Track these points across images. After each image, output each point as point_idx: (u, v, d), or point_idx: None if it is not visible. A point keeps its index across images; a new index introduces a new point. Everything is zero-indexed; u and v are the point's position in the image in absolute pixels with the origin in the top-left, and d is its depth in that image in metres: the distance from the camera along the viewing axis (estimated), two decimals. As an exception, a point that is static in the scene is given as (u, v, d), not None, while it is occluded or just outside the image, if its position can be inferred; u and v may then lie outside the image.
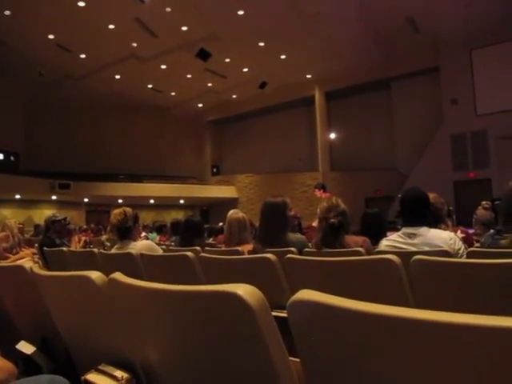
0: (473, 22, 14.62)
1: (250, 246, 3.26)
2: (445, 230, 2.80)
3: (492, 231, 2.51)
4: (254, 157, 22.67)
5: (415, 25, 14.97)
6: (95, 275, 1.10)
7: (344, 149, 20.01)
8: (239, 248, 3.16)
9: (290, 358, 0.74)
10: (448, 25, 14.85)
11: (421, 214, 2.58)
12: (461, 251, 2.40)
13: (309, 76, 19.56)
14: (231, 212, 3.74)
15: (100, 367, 1.11)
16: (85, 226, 13.84)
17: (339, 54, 16.60)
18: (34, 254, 4.29)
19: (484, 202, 4.95)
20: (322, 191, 9.50)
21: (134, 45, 15.78)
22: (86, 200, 19.26)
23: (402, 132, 18.29)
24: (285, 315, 0.72)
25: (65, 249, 4.14)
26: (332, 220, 2.66)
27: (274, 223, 2.95)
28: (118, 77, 18.05)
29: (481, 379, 0.54)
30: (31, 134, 18.99)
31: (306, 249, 2.72)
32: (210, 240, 6.38)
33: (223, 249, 3.53)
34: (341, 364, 0.69)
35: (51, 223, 5.19)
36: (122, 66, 17.08)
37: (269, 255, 2.16)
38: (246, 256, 2.79)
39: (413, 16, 14.36)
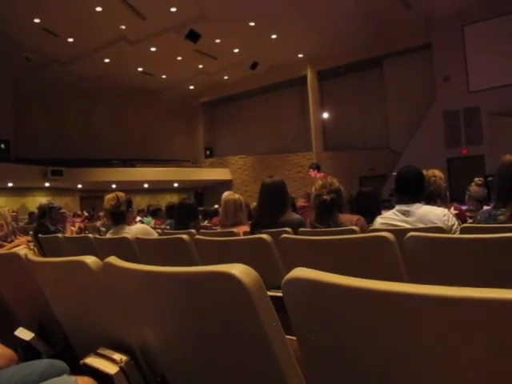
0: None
1: (245, 228, 3.27)
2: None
3: (488, 207, 2.53)
4: (247, 138, 22.57)
5: (407, 1, 14.81)
6: (90, 260, 1.10)
7: (337, 128, 19.95)
8: (234, 229, 3.16)
9: (287, 336, 0.74)
10: (439, 1, 14.70)
11: (415, 191, 2.60)
12: (454, 227, 2.42)
13: (300, 55, 19.38)
14: (227, 193, 3.74)
15: (99, 351, 1.12)
16: (78, 212, 13.77)
17: (331, 33, 16.40)
18: (29, 241, 4.27)
19: (477, 179, 4.96)
20: (316, 171, 9.52)
21: (123, 27, 15.52)
22: (79, 186, 19.16)
23: (395, 110, 18.24)
24: (280, 295, 0.73)
25: (60, 235, 4.13)
26: (325, 197, 2.67)
27: (276, 202, 2.96)
28: (107, 60, 17.77)
29: (478, 352, 0.54)
30: (21, 120, 18.77)
31: (301, 228, 2.73)
32: (205, 222, 6.39)
33: (218, 231, 3.54)
34: (337, 340, 0.70)
35: (48, 209, 5.16)
36: (111, 49, 16.81)
37: (264, 236, 2.17)
38: (242, 237, 2.80)
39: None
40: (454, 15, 15.62)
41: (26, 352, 1.46)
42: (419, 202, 2.57)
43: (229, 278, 0.70)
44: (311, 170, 9.73)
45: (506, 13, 14.67)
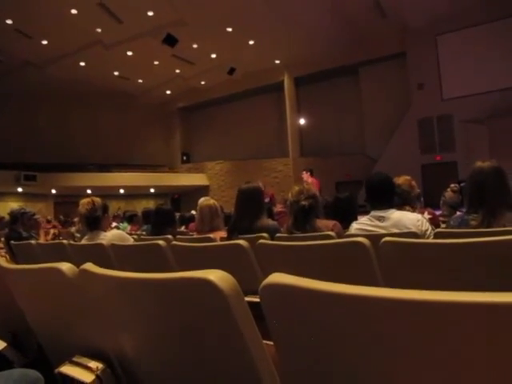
0: (436, 8, 14.83)
1: (222, 233, 3.27)
2: (409, 211, 2.88)
3: (460, 213, 2.59)
4: (224, 143, 22.56)
5: (382, 9, 15.08)
6: (65, 266, 1.08)
7: (314, 134, 20.12)
8: (211, 235, 3.16)
9: (264, 342, 0.75)
10: (413, 10, 15.01)
11: (387, 196, 2.65)
12: (428, 232, 2.47)
13: (277, 62, 19.51)
14: (202, 199, 3.73)
15: (74, 359, 1.10)
16: (48, 217, 13.46)
17: (307, 40, 16.59)
18: (0, 248, 4.17)
19: (453, 185, 5.04)
20: (308, 174, 9.79)
21: (99, 30, 15.36)
22: (53, 191, 18.82)
23: (371, 117, 18.51)
24: (258, 300, 0.73)
25: (33, 242, 4.05)
26: (303, 202, 2.69)
27: (252, 208, 2.98)
28: (82, 64, 17.56)
29: (453, 355, 0.56)
30: (-7, 123, 18.37)
31: (278, 234, 2.75)
32: (182, 228, 6.34)
33: (195, 236, 3.53)
34: (314, 345, 0.71)
35: (20, 215, 5.05)
36: (87, 52, 16.62)
37: (240, 241, 2.17)
38: (218, 243, 2.79)
39: (379, 0, 14.45)
40: (428, 25, 15.98)
41: (-3, 362, 1.42)
42: (392, 207, 2.62)
43: (206, 283, 0.70)
44: (304, 172, 9.99)
45: (477, 23, 15.09)
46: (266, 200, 9.00)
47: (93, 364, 1.04)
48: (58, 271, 1.08)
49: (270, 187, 11.90)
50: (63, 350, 1.19)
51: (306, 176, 9.91)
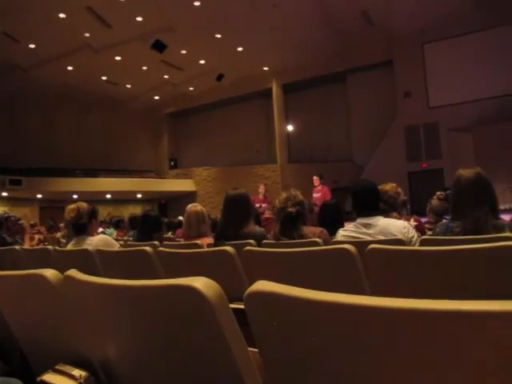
0: (423, 17, 15.04)
1: (209, 239, 3.26)
2: (396, 218, 2.91)
3: (445, 220, 2.62)
4: (211, 150, 22.50)
5: (369, 18, 15.24)
6: (49, 273, 1.07)
7: (301, 141, 20.19)
8: (198, 241, 3.15)
9: (249, 349, 0.75)
10: (400, 19, 15.20)
11: (373, 203, 2.66)
12: (414, 239, 2.49)
13: (266, 68, 19.58)
14: (190, 205, 3.72)
15: (57, 367, 1.08)
16: (32, 222, 13.27)
17: (296, 47, 16.67)
18: (-17, 253, 4.10)
19: (439, 193, 5.08)
20: (318, 179, 9.86)
21: (87, 35, 15.28)
22: (39, 196, 18.61)
23: (358, 124, 18.62)
24: (243, 307, 0.73)
25: (17, 247, 3.99)
26: (290, 209, 2.70)
27: (239, 214, 2.97)
28: (70, 68, 17.44)
29: (441, 363, 0.56)
30: (-22, 127, 18.14)
31: (265, 240, 2.75)
32: (169, 234, 6.32)
33: (182, 242, 3.51)
34: (298, 353, 0.71)
35: (5, 220, 4.98)
36: (75, 57, 16.50)
37: (227, 248, 2.17)
38: (205, 249, 2.78)
39: (367, 9, 14.61)
40: (415, 33, 16.17)
41: (-22, 370, 1.40)
42: (378, 214, 2.64)
43: (191, 291, 0.70)
44: (315, 178, 10.09)
45: (464, 33, 15.32)
46: (265, 205, 9.03)
47: (76, 372, 1.03)
48: (42, 277, 1.07)
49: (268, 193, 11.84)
50: (46, 357, 1.18)
51: (316, 181, 10.00)
